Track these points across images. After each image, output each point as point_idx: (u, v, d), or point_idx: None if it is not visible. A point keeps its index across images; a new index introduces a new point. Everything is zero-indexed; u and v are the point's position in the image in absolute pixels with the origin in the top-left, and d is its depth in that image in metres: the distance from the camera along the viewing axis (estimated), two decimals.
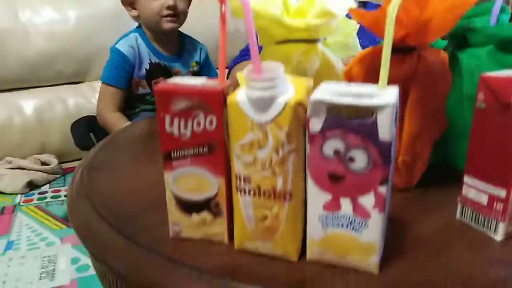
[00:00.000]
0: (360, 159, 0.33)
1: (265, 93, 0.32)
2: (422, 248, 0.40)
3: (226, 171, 0.39)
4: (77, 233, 0.48)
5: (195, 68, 1.33)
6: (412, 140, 0.47)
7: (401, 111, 0.46)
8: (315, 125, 0.33)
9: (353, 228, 0.35)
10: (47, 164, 1.41)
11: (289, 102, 0.32)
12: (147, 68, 1.23)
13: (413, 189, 0.50)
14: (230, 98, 0.34)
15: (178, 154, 0.39)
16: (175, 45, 1.29)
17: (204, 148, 0.38)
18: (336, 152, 0.33)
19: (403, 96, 0.46)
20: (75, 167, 1.43)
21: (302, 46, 0.49)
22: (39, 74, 1.51)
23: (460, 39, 0.51)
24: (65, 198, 1.25)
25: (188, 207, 0.41)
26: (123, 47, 1.20)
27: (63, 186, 1.34)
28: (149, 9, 1.17)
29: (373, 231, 0.35)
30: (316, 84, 0.37)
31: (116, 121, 1.18)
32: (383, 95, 0.32)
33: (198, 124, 0.37)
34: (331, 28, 0.50)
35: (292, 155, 0.34)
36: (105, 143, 0.73)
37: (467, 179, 0.42)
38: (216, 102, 0.36)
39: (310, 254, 0.38)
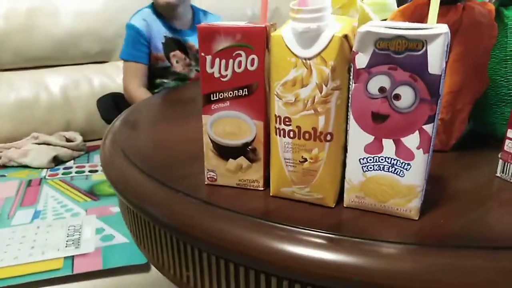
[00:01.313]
0: (406, 96, 0.32)
1: (312, 25, 0.32)
2: (460, 201, 0.39)
3: (265, 115, 0.39)
4: (112, 183, 0.49)
5: None
6: (452, 97, 0.46)
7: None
8: (361, 60, 0.32)
9: (394, 171, 0.35)
10: (72, 141, 1.43)
11: (336, 35, 0.32)
12: (163, 41, 1.23)
13: (451, 151, 0.49)
14: (274, 33, 0.34)
15: (217, 97, 0.39)
16: (188, 20, 1.29)
17: (244, 90, 0.38)
18: (381, 90, 0.33)
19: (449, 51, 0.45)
20: (99, 145, 1.45)
21: (341, 0, 0.49)
22: (66, 52, 1.53)
23: None
24: (89, 174, 1.27)
25: (225, 152, 0.41)
26: (136, 21, 1.21)
27: (87, 163, 1.36)
28: None
29: (416, 173, 0.34)
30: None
31: (142, 96, 1.19)
32: (434, 27, 0.31)
33: (239, 64, 0.37)
34: None
35: (335, 93, 0.34)
36: (134, 107, 0.74)
37: (510, 133, 0.41)
38: (259, 40, 0.36)
39: (348, 199, 0.37)
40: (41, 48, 1.48)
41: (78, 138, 1.44)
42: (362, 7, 0.49)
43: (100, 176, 1.24)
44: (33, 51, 1.47)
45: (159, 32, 1.23)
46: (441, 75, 0.31)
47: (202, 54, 0.38)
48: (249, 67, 0.37)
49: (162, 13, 1.24)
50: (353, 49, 0.32)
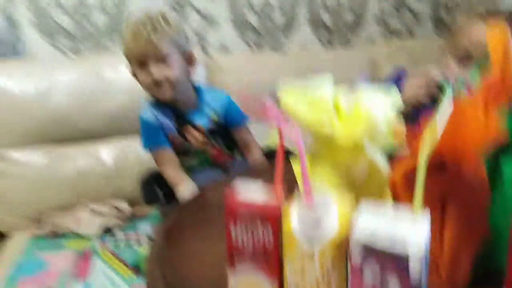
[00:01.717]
0: (393, 286, 0.38)
1: (315, 227, 0.39)
2: None
3: (280, 279, 0.46)
4: None
5: (217, 119, 1.35)
6: (453, 254, 0.51)
7: (441, 224, 0.51)
8: (356, 258, 0.39)
9: None
10: (120, 209, 1.55)
11: (334, 238, 0.39)
12: (175, 124, 1.30)
13: None
14: (285, 226, 0.42)
15: (240, 259, 0.46)
16: (192, 100, 1.33)
17: (262, 257, 0.45)
18: (373, 278, 0.39)
19: (443, 210, 0.51)
20: (145, 212, 1.55)
21: (350, 155, 0.55)
22: (118, 125, 1.67)
23: (502, 148, 0.55)
24: (136, 245, 1.37)
25: None
26: (145, 114, 1.29)
27: (134, 231, 1.47)
28: (142, 83, 1.25)
29: None
30: (364, 190, 0.44)
31: (177, 179, 1.28)
32: (416, 235, 0.37)
33: (258, 235, 0.45)
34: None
35: (336, 277, 0.40)
36: (176, 214, 0.83)
37: None
38: (275, 219, 0.43)
39: None
40: (96, 123, 1.64)
41: (126, 207, 1.56)
42: (371, 159, 0.56)
43: (145, 249, 1.34)
44: (89, 126, 1.64)
45: (168, 117, 1.30)
46: (421, 277, 0.37)
47: (227, 225, 0.46)
48: (266, 239, 0.44)
49: (168, 101, 1.29)
50: (350, 246, 0.39)
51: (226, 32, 2.02)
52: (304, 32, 2.14)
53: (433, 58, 1.36)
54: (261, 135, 1.87)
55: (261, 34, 2.08)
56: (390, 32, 2.33)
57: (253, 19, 2.05)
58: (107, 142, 1.68)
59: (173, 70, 1.25)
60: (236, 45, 2.05)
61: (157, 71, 1.22)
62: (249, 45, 2.08)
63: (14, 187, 1.56)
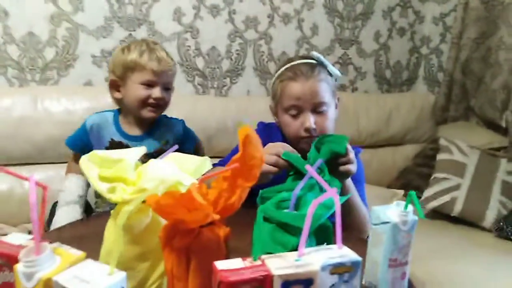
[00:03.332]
0: None
1: (29, 270, 0.49)
2: None
3: None
4: None
5: (165, 147, 1.34)
6: None
7: (186, 275, 0.61)
8: None
9: None
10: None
11: (42, 277, 0.49)
12: (107, 145, 1.32)
13: None
14: (15, 267, 0.52)
15: None
16: (147, 126, 1.35)
17: None
18: None
19: (188, 264, 0.61)
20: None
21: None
22: (45, 154, 1.75)
23: None
24: None
25: None
26: (90, 120, 1.34)
27: None
28: (135, 96, 1.25)
29: None
30: (145, 237, 0.56)
31: (71, 169, 1.38)
32: None
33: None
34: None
35: None
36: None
37: None
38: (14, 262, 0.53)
39: None
40: (23, 150, 1.72)
41: None
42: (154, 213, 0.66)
43: None
44: (15, 152, 1.72)
45: (106, 137, 1.33)
46: None
47: None
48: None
49: (131, 120, 1.33)
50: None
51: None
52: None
53: None
54: None
55: (208, 78, 2.19)
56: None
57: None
58: (32, 168, 1.76)
59: (170, 97, 1.33)
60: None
61: (162, 94, 1.27)
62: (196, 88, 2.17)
63: None
